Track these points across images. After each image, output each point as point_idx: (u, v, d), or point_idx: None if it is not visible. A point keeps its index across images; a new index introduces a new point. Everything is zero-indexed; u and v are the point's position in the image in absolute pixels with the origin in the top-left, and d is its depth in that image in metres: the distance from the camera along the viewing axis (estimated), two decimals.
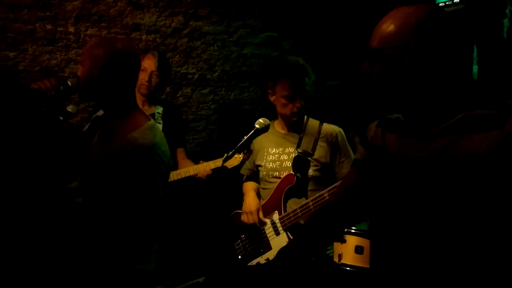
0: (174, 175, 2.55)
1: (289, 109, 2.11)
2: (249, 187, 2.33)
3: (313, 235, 1.26)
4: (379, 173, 1.18)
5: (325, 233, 1.28)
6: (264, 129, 1.58)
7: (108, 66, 1.51)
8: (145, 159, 1.46)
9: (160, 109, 2.67)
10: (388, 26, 1.06)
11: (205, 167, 2.54)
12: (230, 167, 2.48)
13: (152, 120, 1.60)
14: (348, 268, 2.43)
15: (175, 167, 2.70)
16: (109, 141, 1.57)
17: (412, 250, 1.08)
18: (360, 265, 2.40)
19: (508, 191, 0.94)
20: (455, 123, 1.04)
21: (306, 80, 2.08)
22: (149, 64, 2.51)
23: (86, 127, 1.98)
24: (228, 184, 2.82)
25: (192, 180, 2.61)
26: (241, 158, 2.38)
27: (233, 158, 2.47)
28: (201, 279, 1.22)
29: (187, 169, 2.56)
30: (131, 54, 1.56)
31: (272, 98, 2.17)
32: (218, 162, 2.55)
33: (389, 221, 1.14)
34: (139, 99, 2.60)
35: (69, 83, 1.59)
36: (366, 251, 2.37)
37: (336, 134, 2.17)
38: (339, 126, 2.27)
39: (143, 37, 3.19)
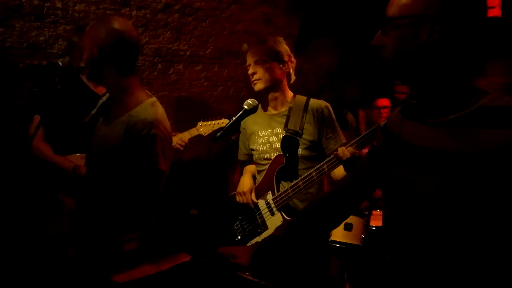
0: None
1: (252, 80, 2.16)
2: (247, 169, 2.35)
3: (315, 220, 1.22)
4: (391, 161, 1.09)
5: (326, 219, 1.24)
6: (253, 109, 1.57)
7: (107, 45, 1.58)
8: (146, 133, 1.55)
9: None
10: None
11: (181, 138, 2.58)
12: (205, 134, 2.59)
13: (153, 97, 1.69)
14: (337, 245, 2.48)
15: None
16: (113, 118, 1.65)
17: (417, 246, 1.01)
18: (349, 241, 2.46)
19: None
20: (469, 115, 0.93)
21: (261, 48, 2.11)
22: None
23: (93, 112, 1.96)
24: (222, 163, 2.84)
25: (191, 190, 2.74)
26: (214, 124, 2.57)
27: (207, 125, 2.59)
28: (188, 259, 1.24)
29: None
30: (129, 33, 1.62)
31: None
32: (192, 132, 2.62)
33: (397, 212, 1.07)
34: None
35: (59, 63, 1.55)
36: (355, 228, 2.42)
37: (322, 109, 2.14)
38: (332, 103, 2.26)
39: (133, 12, 3.13)
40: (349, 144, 1.89)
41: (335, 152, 1.91)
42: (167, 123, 1.63)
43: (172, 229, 3.03)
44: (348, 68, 4.33)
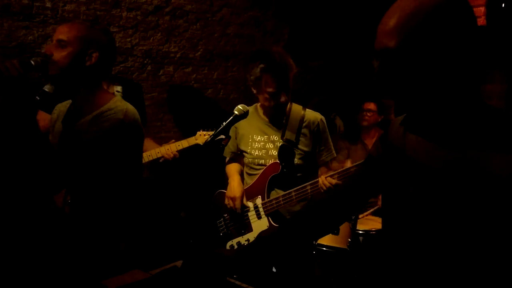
0: (144, 157, 2.46)
1: (273, 103, 2.09)
2: (233, 170, 2.34)
3: (307, 223, 1.22)
4: (393, 175, 1.08)
5: (319, 224, 1.24)
6: (243, 115, 1.59)
7: (106, 51, 1.56)
8: (112, 116, 1.51)
9: (119, 88, 2.55)
10: (389, 21, 0.90)
11: (177, 146, 2.54)
12: (202, 143, 2.52)
13: (118, 96, 1.65)
14: (324, 249, 2.51)
15: None
16: (81, 116, 1.58)
17: (419, 264, 0.99)
18: (336, 245, 2.48)
19: None
20: (476, 136, 0.91)
21: (289, 75, 2.06)
22: None
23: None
24: (212, 164, 2.85)
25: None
26: (207, 135, 2.53)
27: (206, 135, 2.54)
28: (178, 263, 1.24)
29: (158, 150, 2.53)
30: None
31: (254, 91, 2.14)
32: (190, 141, 2.56)
33: (397, 227, 1.06)
34: None
35: (32, 62, 1.44)
36: (342, 232, 2.44)
37: (318, 122, 2.19)
38: (321, 106, 2.30)
39: (124, 14, 3.12)
40: (329, 175, 2.03)
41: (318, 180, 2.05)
42: (137, 116, 1.59)
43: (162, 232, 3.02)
44: (337, 72, 4.38)
